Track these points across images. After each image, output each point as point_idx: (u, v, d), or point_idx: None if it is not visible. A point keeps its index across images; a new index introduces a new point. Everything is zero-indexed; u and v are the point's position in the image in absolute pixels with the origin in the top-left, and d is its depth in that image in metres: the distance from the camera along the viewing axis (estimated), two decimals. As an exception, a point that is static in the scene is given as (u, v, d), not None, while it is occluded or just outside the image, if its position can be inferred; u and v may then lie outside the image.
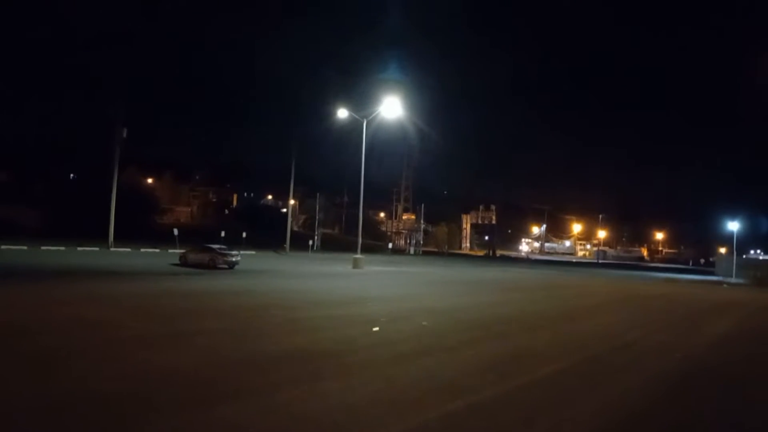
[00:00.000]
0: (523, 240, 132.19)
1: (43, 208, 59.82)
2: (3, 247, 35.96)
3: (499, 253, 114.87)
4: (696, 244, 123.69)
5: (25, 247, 37.20)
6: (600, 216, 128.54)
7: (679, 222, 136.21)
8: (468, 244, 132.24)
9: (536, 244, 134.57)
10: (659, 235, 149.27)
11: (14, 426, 5.93)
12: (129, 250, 43.37)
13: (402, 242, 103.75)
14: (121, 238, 46.26)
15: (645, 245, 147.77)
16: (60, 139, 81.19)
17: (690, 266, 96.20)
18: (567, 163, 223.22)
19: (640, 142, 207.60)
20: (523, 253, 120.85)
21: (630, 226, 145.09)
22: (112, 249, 43.22)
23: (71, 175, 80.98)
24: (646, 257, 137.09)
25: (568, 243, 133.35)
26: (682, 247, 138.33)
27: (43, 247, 38.36)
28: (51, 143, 78.37)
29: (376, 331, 12.89)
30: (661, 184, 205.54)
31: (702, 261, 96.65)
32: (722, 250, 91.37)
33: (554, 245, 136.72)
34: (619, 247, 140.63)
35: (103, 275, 24.19)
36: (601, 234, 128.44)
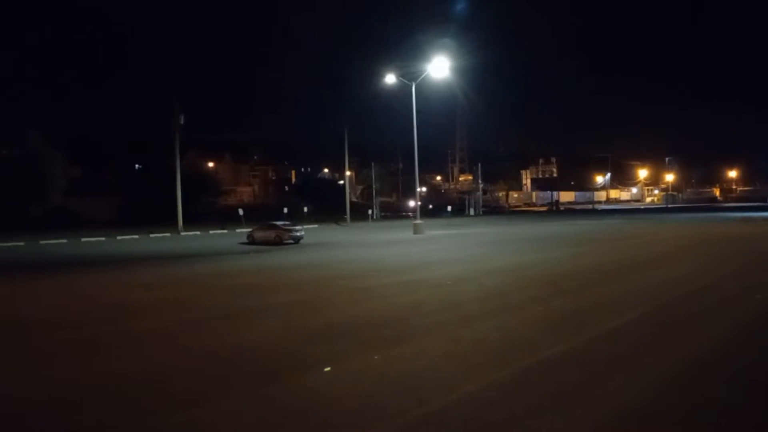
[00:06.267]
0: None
1: (114, 199, 62.75)
2: (83, 239, 38.11)
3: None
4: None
5: (102, 238, 39.25)
6: (666, 159, 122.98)
7: (752, 157, 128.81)
8: (534, 200, 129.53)
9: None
10: (732, 174, 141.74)
11: (89, 401, 6.44)
12: (198, 233, 45.05)
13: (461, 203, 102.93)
14: (189, 222, 48.10)
15: (717, 185, 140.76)
16: (121, 130, 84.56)
17: (767, 203, 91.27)
18: (627, 111, 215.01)
19: (696, 91, 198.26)
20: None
21: (699, 167, 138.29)
22: (183, 233, 44.92)
23: (136, 165, 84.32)
24: (719, 198, 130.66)
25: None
26: (758, 184, 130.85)
27: (118, 237, 40.33)
28: (113, 135, 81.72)
29: (444, 295, 13.06)
30: (725, 124, 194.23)
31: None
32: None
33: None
34: (689, 190, 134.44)
35: (178, 258, 25.30)
36: (669, 177, 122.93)
